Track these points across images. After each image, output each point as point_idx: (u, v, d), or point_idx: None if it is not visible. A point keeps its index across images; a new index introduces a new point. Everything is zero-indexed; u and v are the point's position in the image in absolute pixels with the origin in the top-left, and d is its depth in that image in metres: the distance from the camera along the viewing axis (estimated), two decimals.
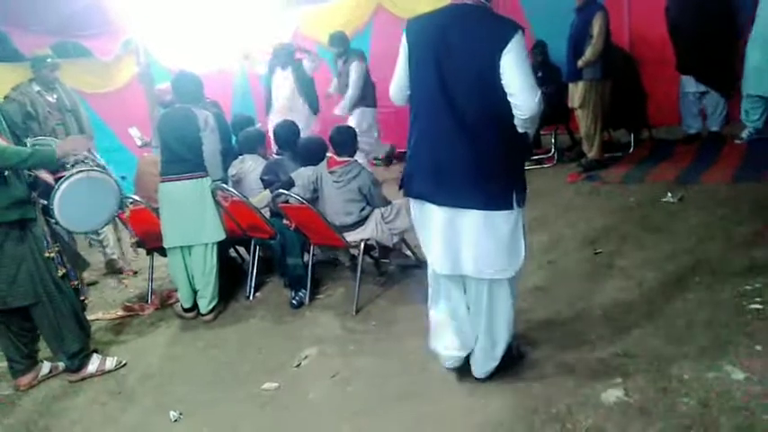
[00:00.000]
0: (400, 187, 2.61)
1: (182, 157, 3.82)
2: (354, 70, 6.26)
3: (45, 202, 3.28)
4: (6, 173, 3.02)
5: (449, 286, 2.62)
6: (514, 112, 2.27)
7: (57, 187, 3.25)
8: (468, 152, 2.33)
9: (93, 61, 7.56)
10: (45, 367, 3.45)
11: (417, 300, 3.70)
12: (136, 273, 5.19)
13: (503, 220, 2.38)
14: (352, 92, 6.25)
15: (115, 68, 7.72)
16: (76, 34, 7.10)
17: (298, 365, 3.19)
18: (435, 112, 2.37)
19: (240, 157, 4.56)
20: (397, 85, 2.55)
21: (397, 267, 4.25)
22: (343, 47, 6.40)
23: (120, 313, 4.29)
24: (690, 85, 5.74)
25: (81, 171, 3.36)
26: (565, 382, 2.61)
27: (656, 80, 5.97)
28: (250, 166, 4.42)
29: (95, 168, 3.47)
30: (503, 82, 2.23)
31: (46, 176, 3.28)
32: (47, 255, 3.19)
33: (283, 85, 6.36)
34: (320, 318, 3.73)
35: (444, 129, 2.36)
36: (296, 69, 6.36)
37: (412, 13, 7.65)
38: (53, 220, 3.33)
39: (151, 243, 4.36)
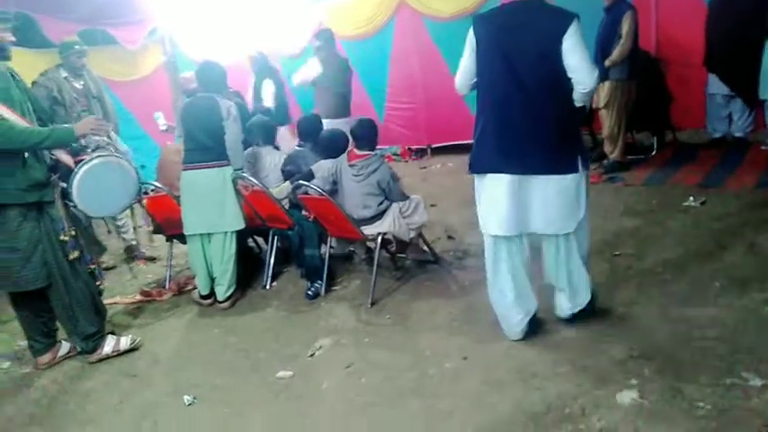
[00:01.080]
0: (471, 168, 2.90)
1: (204, 146, 3.86)
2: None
3: (64, 185, 3.32)
4: (26, 155, 3.07)
5: (511, 250, 2.88)
6: (576, 87, 2.62)
7: (76, 171, 3.27)
8: (537, 126, 2.70)
9: (119, 49, 7.64)
10: (64, 347, 3.51)
11: (433, 295, 3.72)
12: (154, 259, 5.25)
13: (571, 182, 2.74)
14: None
15: (141, 57, 7.82)
16: (104, 22, 7.18)
17: (312, 355, 3.21)
18: (506, 94, 2.70)
19: (251, 148, 4.58)
20: (463, 76, 2.87)
21: (414, 262, 4.25)
22: (325, 42, 6.18)
23: (138, 298, 4.35)
24: (717, 86, 5.64)
25: (101, 156, 3.38)
26: (579, 381, 2.59)
27: (681, 82, 5.90)
28: (268, 158, 4.46)
29: (115, 154, 3.51)
30: (565, 63, 2.58)
31: (66, 159, 3.31)
32: (62, 238, 3.23)
33: (266, 92, 6.32)
34: (335, 309, 3.75)
35: (515, 108, 2.70)
36: (273, 77, 6.36)
37: (434, 9, 7.66)
38: (71, 204, 3.36)
39: (171, 230, 4.41)
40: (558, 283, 2.99)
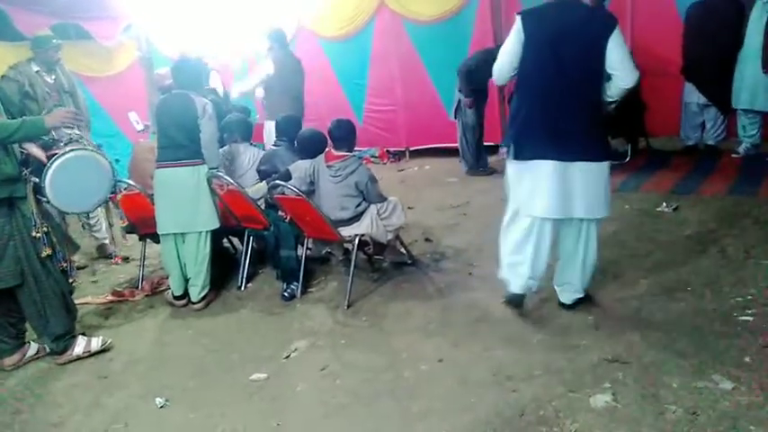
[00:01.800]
0: (514, 155, 3.06)
1: (179, 144, 3.80)
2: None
3: (36, 180, 3.23)
4: None
5: (548, 230, 3.08)
6: (617, 83, 2.89)
7: (49, 165, 3.16)
8: (579, 116, 2.93)
9: (93, 44, 7.49)
10: (32, 348, 3.43)
11: (410, 297, 3.72)
12: (126, 259, 5.16)
13: (605, 169, 3.00)
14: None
15: (115, 53, 7.67)
16: (78, 16, 7.05)
17: (287, 357, 3.18)
18: (553, 86, 2.91)
19: (228, 145, 4.53)
20: (504, 66, 3.06)
21: (391, 264, 4.24)
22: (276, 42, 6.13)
23: (110, 298, 4.26)
24: (693, 95, 5.78)
25: (74, 149, 3.26)
26: (553, 385, 2.62)
27: (655, 90, 5.99)
28: (245, 156, 4.42)
29: (89, 147, 3.41)
30: (608, 60, 2.83)
31: (38, 153, 3.21)
32: (34, 234, 3.14)
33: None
34: (311, 311, 3.72)
35: (559, 99, 2.91)
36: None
37: (413, 12, 7.66)
38: (44, 199, 3.27)
39: (144, 229, 4.33)
40: (571, 269, 3.18)
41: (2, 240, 3.05)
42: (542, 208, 2.99)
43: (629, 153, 6.08)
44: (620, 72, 2.87)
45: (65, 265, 3.43)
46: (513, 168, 3.13)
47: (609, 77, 2.92)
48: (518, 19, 2.97)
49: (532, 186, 3.00)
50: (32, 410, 2.94)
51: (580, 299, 3.27)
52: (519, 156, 3.04)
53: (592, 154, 2.96)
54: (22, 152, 3.17)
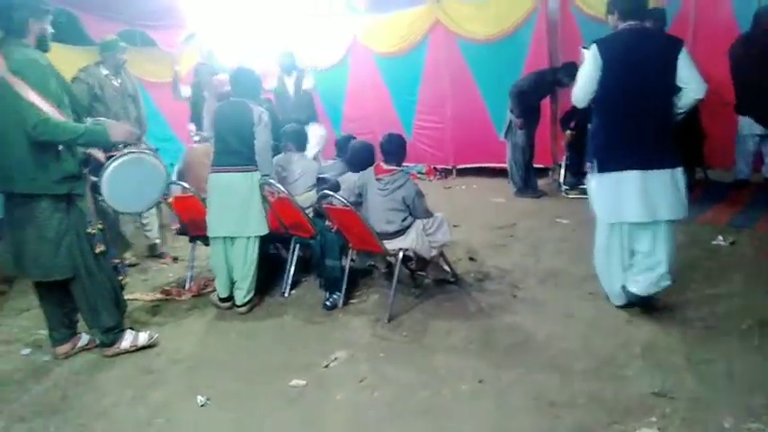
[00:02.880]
0: (600, 168, 3.36)
1: (234, 150, 3.89)
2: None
3: (95, 179, 3.37)
4: (60, 148, 3.12)
5: (637, 235, 3.37)
6: (689, 95, 3.19)
7: (107, 165, 3.33)
8: (657, 128, 3.24)
9: (156, 51, 7.80)
10: (83, 339, 3.54)
11: (451, 316, 3.69)
12: (175, 259, 5.31)
13: (679, 174, 3.28)
14: None
15: (176, 60, 7.95)
16: (144, 24, 7.35)
17: (326, 366, 3.20)
18: (631, 103, 3.23)
19: (282, 153, 4.64)
20: (585, 90, 3.34)
21: (433, 281, 4.23)
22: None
23: (158, 296, 4.38)
24: (748, 127, 5.61)
25: (132, 153, 3.43)
26: (597, 414, 2.55)
27: (714, 121, 5.84)
28: (298, 165, 4.51)
29: (146, 151, 3.56)
30: (679, 75, 3.15)
31: (98, 154, 3.38)
32: (89, 231, 3.27)
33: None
34: (352, 322, 3.74)
35: (639, 114, 3.23)
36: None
37: (468, 31, 7.70)
38: (100, 198, 3.41)
39: (195, 231, 4.45)
40: (653, 265, 3.38)
41: (59, 234, 3.18)
42: (632, 214, 3.27)
43: (687, 184, 5.92)
44: (691, 85, 3.17)
45: (116, 262, 3.56)
46: (597, 182, 3.41)
47: (679, 91, 3.21)
48: (594, 47, 3.27)
49: (618, 196, 3.29)
50: (79, 398, 3.03)
51: (651, 297, 3.48)
52: (604, 169, 3.34)
53: (668, 162, 3.25)
54: (82, 152, 3.31)
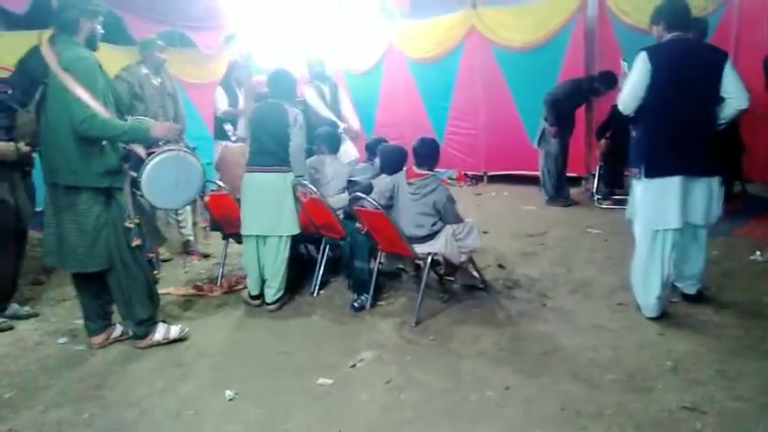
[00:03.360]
0: (647, 174, 3.43)
1: (269, 151, 3.95)
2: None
3: (134, 175, 3.46)
4: (104, 143, 3.23)
5: (666, 241, 3.44)
6: (733, 104, 3.29)
7: (147, 161, 3.41)
8: (700, 136, 3.36)
9: (195, 52, 7.95)
10: (117, 330, 3.64)
11: (479, 322, 3.68)
12: (207, 256, 5.40)
13: (718, 181, 3.42)
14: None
15: (215, 62, 8.11)
16: (184, 25, 7.50)
17: (353, 366, 3.22)
18: (678, 111, 3.32)
19: (315, 156, 4.69)
20: (632, 97, 3.42)
21: (462, 287, 4.22)
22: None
23: (190, 291, 4.47)
24: None
25: (172, 150, 3.51)
26: (625, 426, 2.51)
27: (754, 134, 5.72)
28: (331, 167, 4.56)
29: (185, 149, 3.64)
30: (724, 85, 3.26)
31: (139, 150, 3.47)
32: (127, 224, 3.35)
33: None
34: (379, 324, 3.75)
35: (685, 122, 3.32)
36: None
37: (504, 38, 7.70)
38: (139, 193, 3.50)
39: (228, 229, 4.53)
40: (691, 266, 3.63)
41: (97, 228, 3.26)
42: (674, 220, 3.36)
43: (724, 196, 5.80)
44: (735, 95, 3.27)
45: (152, 255, 3.64)
46: (644, 187, 3.48)
47: (722, 101, 3.31)
48: (644, 54, 3.36)
49: (661, 201, 3.38)
50: (111, 388, 3.11)
51: (701, 293, 3.71)
52: (651, 174, 3.40)
53: (710, 170, 3.38)
54: (123, 147, 3.41)
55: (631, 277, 3.62)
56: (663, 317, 3.50)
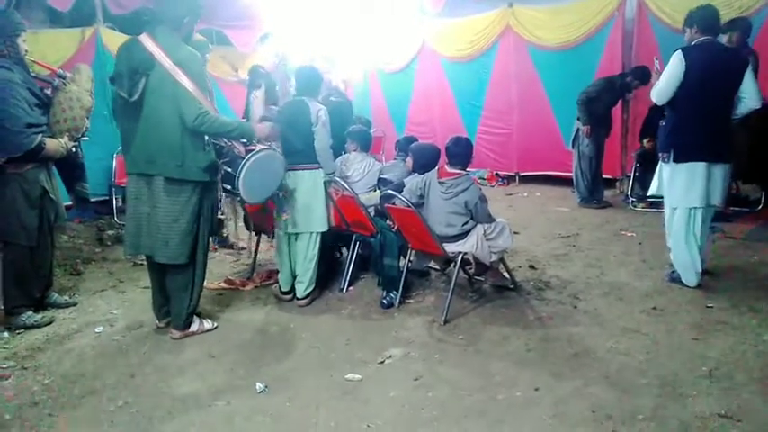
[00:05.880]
0: (675, 159, 3.88)
1: (296, 149, 3.97)
2: None
3: (228, 170, 3.54)
4: (206, 138, 3.32)
5: (697, 218, 3.89)
6: (747, 103, 3.77)
7: (247, 158, 3.48)
8: (723, 128, 3.82)
9: (230, 50, 8.09)
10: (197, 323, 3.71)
11: (509, 322, 3.66)
12: (242, 250, 5.47)
13: (729, 168, 3.90)
14: None
15: (249, 60, 8.23)
16: (221, 24, 7.64)
17: (382, 362, 3.24)
18: (706, 104, 3.77)
19: (345, 153, 4.72)
20: (666, 90, 3.83)
21: (491, 287, 4.21)
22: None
23: (223, 285, 4.55)
24: None
25: (266, 148, 3.62)
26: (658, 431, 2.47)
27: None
28: (360, 165, 4.59)
29: (274, 148, 3.75)
30: (741, 88, 3.74)
31: (240, 148, 3.60)
32: (220, 217, 3.43)
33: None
34: (408, 321, 3.77)
35: (711, 115, 3.78)
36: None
37: (539, 38, 7.63)
38: (228, 188, 3.59)
39: (262, 225, 4.59)
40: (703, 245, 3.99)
41: (192, 219, 3.36)
42: (698, 199, 3.81)
43: (762, 200, 5.65)
44: (750, 96, 3.75)
45: (216, 248, 3.70)
46: (669, 170, 3.92)
47: (738, 100, 3.77)
48: (680, 53, 3.77)
49: (687, 184, 3.83)
50: (146, 377, 3.19)
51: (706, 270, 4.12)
52: (679, 158, 3.85)
53: (727, 157, 3.85)
54: (215, 143, 3.48)
55: (673, 253, 4.03)
56: (697, 323, 3.43)
